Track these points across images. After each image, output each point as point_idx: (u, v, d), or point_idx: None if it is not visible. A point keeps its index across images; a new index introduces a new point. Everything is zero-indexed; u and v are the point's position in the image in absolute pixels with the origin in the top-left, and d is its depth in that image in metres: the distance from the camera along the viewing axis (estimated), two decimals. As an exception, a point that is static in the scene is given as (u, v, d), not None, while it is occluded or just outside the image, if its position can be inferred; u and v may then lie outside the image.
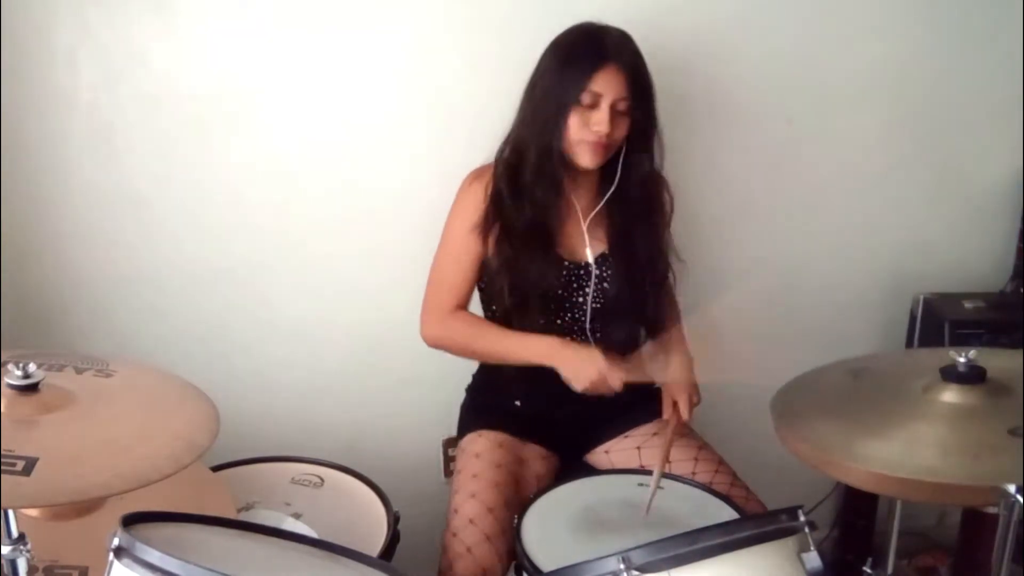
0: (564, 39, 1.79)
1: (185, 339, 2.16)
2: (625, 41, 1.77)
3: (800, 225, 2.31)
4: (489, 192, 1.83)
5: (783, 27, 2.16)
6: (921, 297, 2.27)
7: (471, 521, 1.72)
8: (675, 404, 1.86)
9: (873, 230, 2.34)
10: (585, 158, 1.78)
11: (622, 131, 1.77)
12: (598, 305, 1.87)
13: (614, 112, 1.74)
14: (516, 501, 1.77)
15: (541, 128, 1.77)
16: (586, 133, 1.75)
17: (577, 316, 1.88)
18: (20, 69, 1.95)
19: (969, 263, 2.38)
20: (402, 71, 2.08)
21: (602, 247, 1.88)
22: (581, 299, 1.87)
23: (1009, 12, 2.20)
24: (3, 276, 2.04)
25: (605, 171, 1.85)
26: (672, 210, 1.95)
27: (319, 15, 2.02)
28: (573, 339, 1.85)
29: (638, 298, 1.88)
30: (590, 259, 1.86)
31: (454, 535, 1.72)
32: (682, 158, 1.98)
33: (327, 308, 2.20)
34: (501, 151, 1.86)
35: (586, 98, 1.73)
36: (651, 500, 1.69)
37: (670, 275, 1.95)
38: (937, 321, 2.20)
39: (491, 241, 1.84)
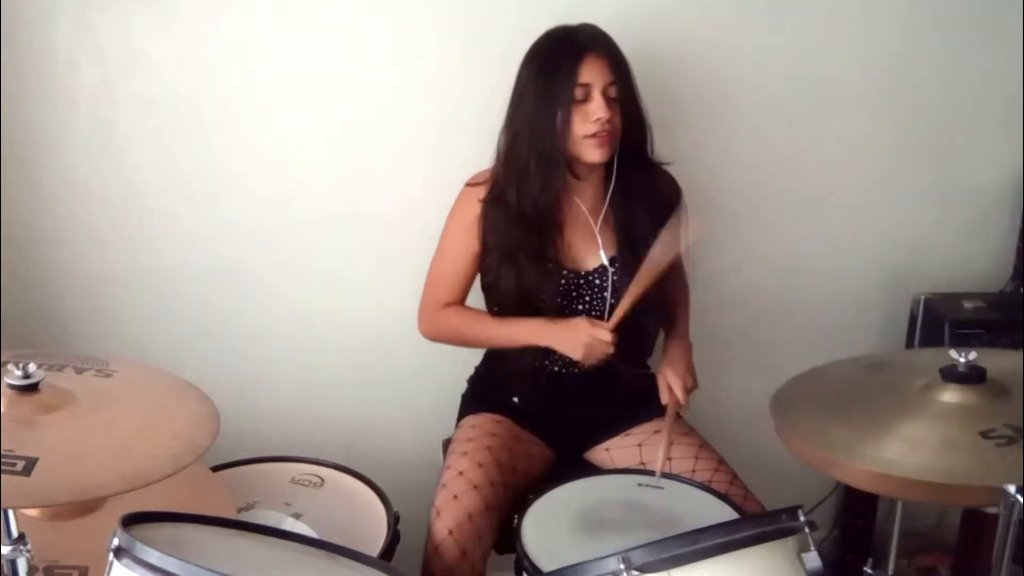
0: (538, 48, 1.81)
1: (185, 339, 2.16)
2: (596, 30, 1.79)
3: (800, 225, 2.31)
4: (487, 204, 1.84)
5: (783, 28, 2.16)
6: (921, 297, 2.27)
7: (460, 473, 1.76)
8: (670, 389, 1.85)
9: (873, 230, 2.34)
10: (593, 153, 1.78)
11: (618, 117, 1.77)
12: (615, 298, 1.86)
13: (607, 99, 1.75)
14: (509, 465, 1.81)
15: (540, 138, 1.77)
16: (588, 127, 1.75)
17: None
18: (20, 69, 1.95)
19: (969, 263, 2.37)
20: (402, 69, 2.08)
21: (611, 251, 1.88)
22: (581, 307, 1.86)
23: (1009, 12, 2.19)
24: (3, 276, 2.04)
25: (607, 172, 1.86)
26: (681, 202, 1.91)
27: (319, 15, 2.02)
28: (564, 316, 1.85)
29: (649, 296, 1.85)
30: (604, 261, 1.86)
31: (443, 486, 1.75)
32: (681, 159, 1.98)
33: (327, 308, 2.20)
34: (495, 170, 1.86)
35: (579, 93, 1.74)
36: (661, 462, 1.78)
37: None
38: (937, 321, 2.20)
39: (489, 252, 1.85)
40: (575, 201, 1.87)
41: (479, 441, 1.85)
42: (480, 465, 1.78)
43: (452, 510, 1.70)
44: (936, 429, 1.36)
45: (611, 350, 1.78)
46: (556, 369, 1.91)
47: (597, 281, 1.86)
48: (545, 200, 1.80)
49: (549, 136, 1.76)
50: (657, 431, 1.91)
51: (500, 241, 1.83)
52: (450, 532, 1.67)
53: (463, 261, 1.89)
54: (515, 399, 1.96)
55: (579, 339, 1.77)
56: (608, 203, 1.87)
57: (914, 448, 1.33)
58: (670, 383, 1.85)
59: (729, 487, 1.79)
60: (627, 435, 1.95)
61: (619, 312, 1.77)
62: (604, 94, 1.75)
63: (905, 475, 1.29)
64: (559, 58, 1.76)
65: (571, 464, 1.95)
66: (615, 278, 1.86)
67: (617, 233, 1.87)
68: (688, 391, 1.86)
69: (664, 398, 1.86)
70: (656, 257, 1.70)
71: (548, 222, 1.83)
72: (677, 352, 1.91)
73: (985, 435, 1.31)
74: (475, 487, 1.73)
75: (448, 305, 1.93)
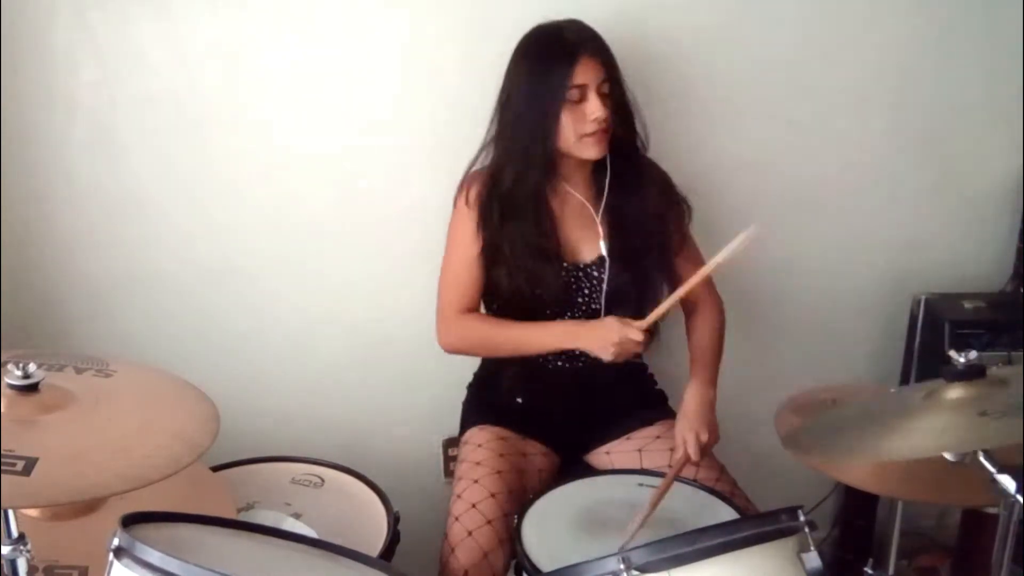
0: (529, 46, 1.81)
1: (185, 339, 2.16)
2: (584, 28, 1.79)
3: (800, 226, 2.31)
4: (481, 202, 1.85)
5: (783, 28, 2.16)
6: (921, 297, 2.27)
7: (473, 506, 1.73)
8: (684, 444, 1.78)
9: (873, 230, 2.34)
10: (591, 151, 1.79)
11: (610, 112, 1.78)
12: (612, 290, 1.87)
13: (601, 96, 1.76)
14: (519, 490, 1.79)
15: (531, 136, 1.78)
16: (585, 126, 1.76)
17: (583, 314, 1.88)
18: (20, 69, 1.95)
19: (969, 263, 2.38)
20: (402, 69, 2.07)
21: (608, 242, 1.88)
22: (580, 300, 1.87)
23: (1009, 12, 2.20)
24: (3, 276, 2.04)
25: (597, 164, 1.87)
26: (672, 190, 1.93)
27: (319, 15, 2.02)
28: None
29: (650, 281, 1.88)
30: (604, 252, 1.87)
31: (456, 519, 1.73)
32: (681, 159, 1.98)
33: (327, 308, 2.20)
34: (490, 165, 1.86)
35: (573, 94, 1.75)
36: (636, 529, 1.61)
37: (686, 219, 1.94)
38: (937, 321, 2.20)
39: (490, 250, 1.85)
40: (569, 192, 1.88)
41: (489, 464, 1.82)
42: (493, 496, 1.75)
43: (468, 549, 1.68)
44: (937, 421, 1.35)
45: (641, 349, 1.77)
46: (560, 364, 1.92)
47: (595, 273, 1.87)
48: (525, 195, 1.81)
49: (540, 137, 1.77)
50: (658, 436, 1.91)
51: (499, 237, 1.83)
52: (466, 573, 1.66)
53: (474, 266, 1.87)
54: (519, 400, 1.96)
55: (610, 339, 1.73)
56: (607, 195, 1.88)
57: (914, 436, 1.32)
58: (685, 438, 1.78)
59: (731, 497, 1.77)
60: (628, 439, 1.94)
61: (654, 314, 1.74)
62: (598, 92, 1.76)
63: (904, 457, 1.28)
64: (551, 60, 1.77)
65: (573, 467, 1.95)
66: (611, 270, 1.86)
67: (614, 225, 1.88)
68: (704, 448, 1.78)
69: (678, 452, 1.78)
70: (713, 262, 1.64)
71: (542, 215, 1.83)
72: (695, 402, 1.83)
73: (983, 414, 1.30)
74: (489, 522, 1.71)
75: (466, 311, 1.90)
